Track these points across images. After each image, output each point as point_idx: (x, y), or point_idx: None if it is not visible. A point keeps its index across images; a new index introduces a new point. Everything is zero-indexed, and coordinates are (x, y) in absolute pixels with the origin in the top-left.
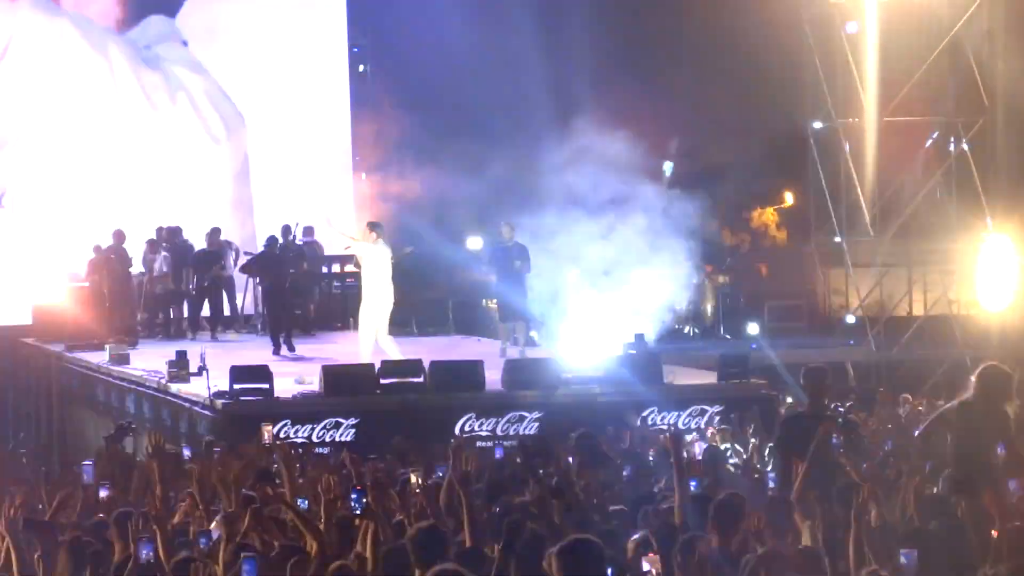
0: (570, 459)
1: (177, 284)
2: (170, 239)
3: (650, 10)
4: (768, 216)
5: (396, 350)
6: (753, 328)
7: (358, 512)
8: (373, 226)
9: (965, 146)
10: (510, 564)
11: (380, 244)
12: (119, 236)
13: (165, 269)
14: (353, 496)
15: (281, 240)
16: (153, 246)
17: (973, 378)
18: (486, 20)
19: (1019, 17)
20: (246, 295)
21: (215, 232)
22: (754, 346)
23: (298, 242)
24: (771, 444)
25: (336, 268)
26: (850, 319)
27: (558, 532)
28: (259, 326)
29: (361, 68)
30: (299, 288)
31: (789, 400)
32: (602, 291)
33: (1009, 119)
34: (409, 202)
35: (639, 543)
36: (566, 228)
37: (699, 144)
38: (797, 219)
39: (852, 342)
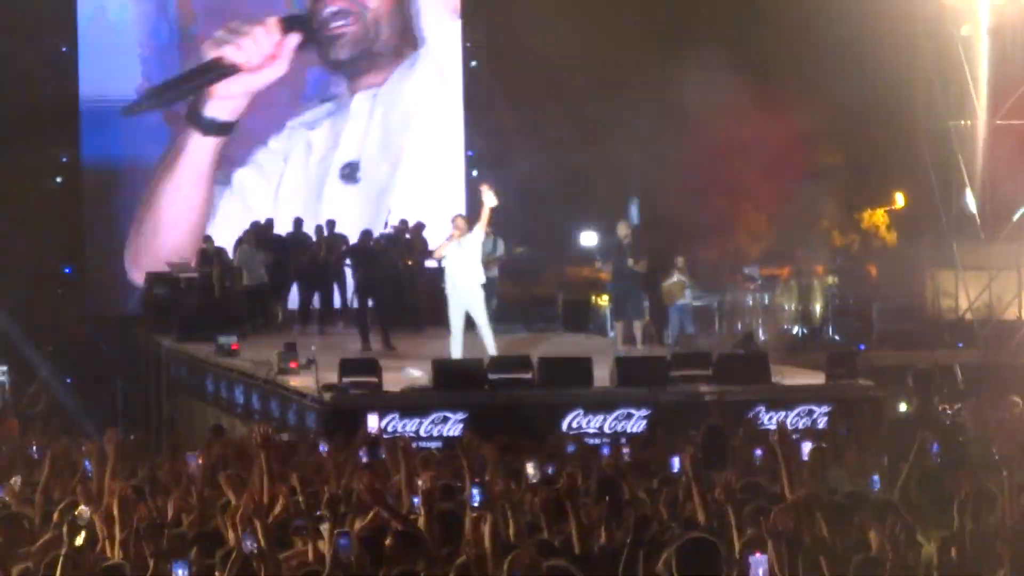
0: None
1: (279, 278)
2: (265, 234)
3: (772, 14)
4: (878, 217)
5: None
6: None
7: (476, 504)
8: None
9: None
10: (637, 558)
11: (466, 237)
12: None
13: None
14: (474, 490)
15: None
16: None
17: None
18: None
19: None
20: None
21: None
22: (863, 346)
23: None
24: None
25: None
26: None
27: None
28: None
29: (474, 63)
30: (403, 283)
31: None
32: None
33: None
34: (520, 196)
35: (747, 542)
36: None
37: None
38: (907, 221)
39: (961, 344)
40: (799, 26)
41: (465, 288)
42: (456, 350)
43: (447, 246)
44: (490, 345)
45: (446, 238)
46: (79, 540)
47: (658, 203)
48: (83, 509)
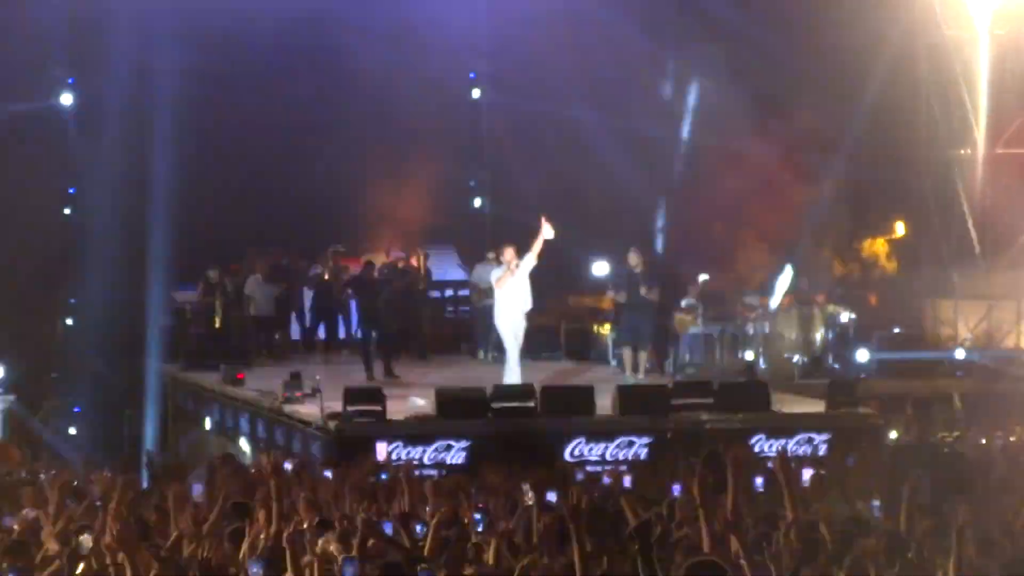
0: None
1: (285, 308)
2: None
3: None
4: (879, 246)
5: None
6: (863, 355)
7: (479, 530)
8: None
9: None
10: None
11: (518, 267)
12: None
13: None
14: (476, 517)
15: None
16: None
17: None
18: None
19: None
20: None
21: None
22: (863, 374)
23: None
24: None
25: (449, 292)
26: (959, 354)
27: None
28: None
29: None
30: (407, 311)
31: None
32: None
33: None
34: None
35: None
36: None
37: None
38: (908, 250)
39: (960, 373)
40: (802, 57)
41: (518, 317)
42: (514, 374)
43: (505, 278)
44: (514, 373)
45: (504, 270)
46: (79, 570)
47: (668, 234)
48: (85, 538)
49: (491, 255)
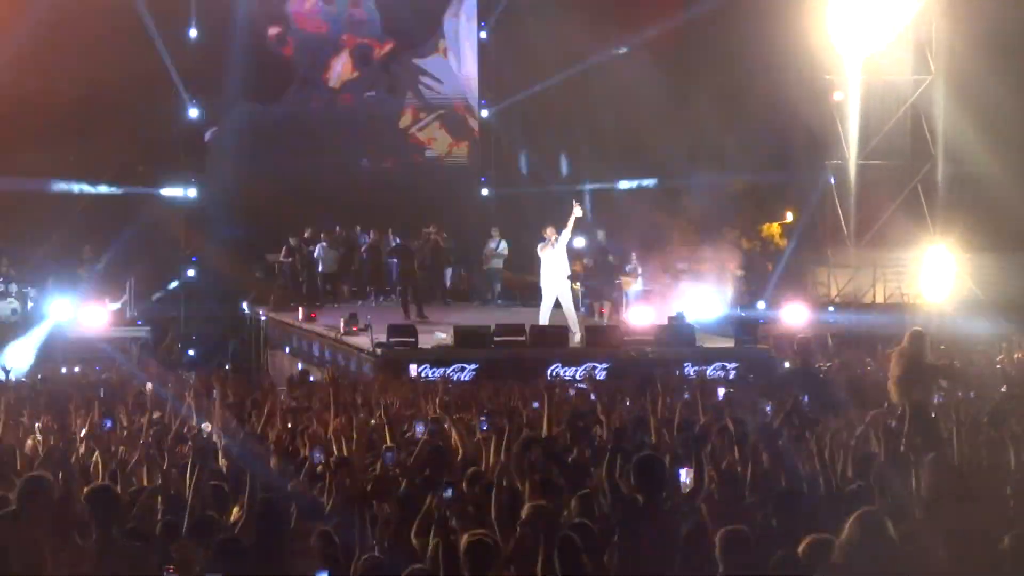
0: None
1: (345, 267)
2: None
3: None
4: (774, 229)
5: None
6: (761, 306)
7: (484, 428)
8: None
9: (918, 182)
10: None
11: (558, 240)
12: (311, 232)
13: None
14: (482, 421)
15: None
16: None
17: (906, 337)
18: None
19: (956, 91)
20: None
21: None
22: (762, 320)
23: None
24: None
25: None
26: (830, 310)
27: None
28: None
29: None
30: (434, 271)
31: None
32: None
33: (947, 163)
34: (521, 210)
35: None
36: None
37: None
38: (795, 232)
39: (832, 320)
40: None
41: (558, 280)
42: (544, 319)
43: (546, 248)
44: (573, 323)
45: (547, 243)
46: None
47: (622, 220)
48: (205, 425)
49: (496, 230)
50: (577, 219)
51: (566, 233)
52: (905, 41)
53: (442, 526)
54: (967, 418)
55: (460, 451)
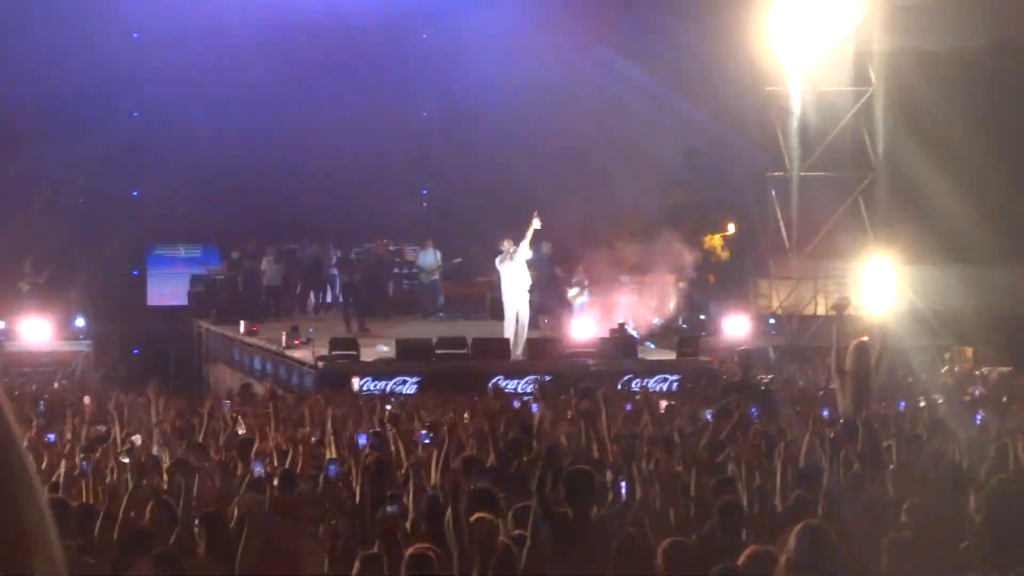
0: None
1: (286, 280)
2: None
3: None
4: (716, 240)
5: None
6: (702, 318)
7: (426, 442)
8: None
9: (859, 194)
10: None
11: (516, 252)
12: (253, 245)
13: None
14: (423, 434)
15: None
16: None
17: (851, 348)
18: None
19: (897, 102)
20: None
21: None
22: (704, 334)
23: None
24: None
25: (406, 270)
26: (772, 321)
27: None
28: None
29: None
30: (376, 284)
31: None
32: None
33: (887, 175)
34: (460, 224)
35: (617, 472)
36: None
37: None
38: (737, 243)
39: (774, 332)
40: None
41: (519, 293)
42: (510, 332)
43: (505, 262)
44: (519, 343)
45: (505, 256)
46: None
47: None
48: (135, 438)
49: (429, 242)
50: (536, 231)
51: (524, 245)
52: (845, 52)
53: (388, 539)
54: (908, 430)
55: (404, 464)
